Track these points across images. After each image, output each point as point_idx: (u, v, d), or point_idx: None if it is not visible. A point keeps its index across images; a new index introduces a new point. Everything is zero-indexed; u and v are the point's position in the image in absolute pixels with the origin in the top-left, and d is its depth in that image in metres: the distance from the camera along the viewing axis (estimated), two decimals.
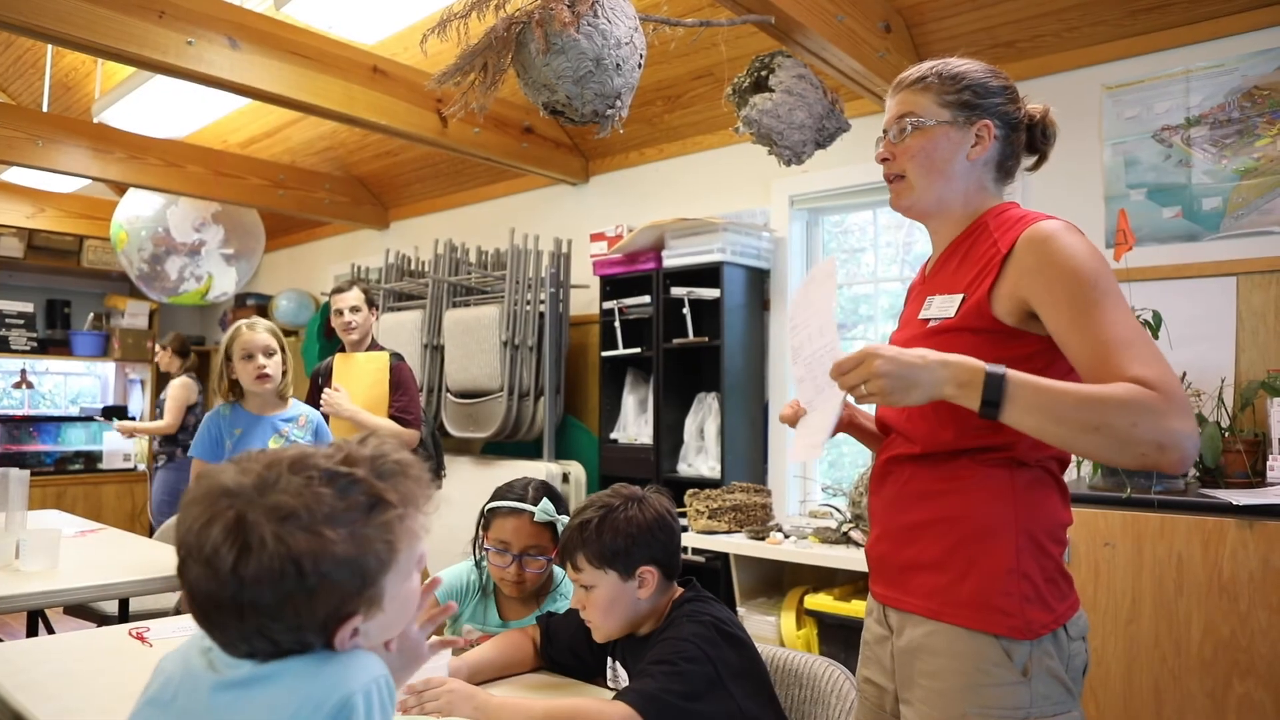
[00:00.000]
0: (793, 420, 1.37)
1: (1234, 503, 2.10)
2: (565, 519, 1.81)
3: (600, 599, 1.50)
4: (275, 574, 0.76)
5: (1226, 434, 2.41)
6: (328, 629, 0.81)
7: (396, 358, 3.43)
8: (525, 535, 1.78)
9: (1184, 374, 2.53)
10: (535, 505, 1.79)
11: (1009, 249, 1.20)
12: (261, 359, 2.62)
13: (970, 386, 1.09)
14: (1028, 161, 1.39)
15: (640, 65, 2.02)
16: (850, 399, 1.19)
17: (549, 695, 1.57)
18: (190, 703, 0.83)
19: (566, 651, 1.65)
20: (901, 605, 1.27)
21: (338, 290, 3.45)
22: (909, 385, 1.10)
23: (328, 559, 0.78)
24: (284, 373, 2.69)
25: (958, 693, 1.17)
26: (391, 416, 3.31)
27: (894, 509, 1.30)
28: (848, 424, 1.46)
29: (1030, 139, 1.36)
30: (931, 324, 1.26)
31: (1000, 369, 1.09)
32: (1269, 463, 2.33)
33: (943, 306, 1.26)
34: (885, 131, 1.36)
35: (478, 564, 1.90)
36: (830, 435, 1.25)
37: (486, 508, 1.85)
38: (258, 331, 2.64)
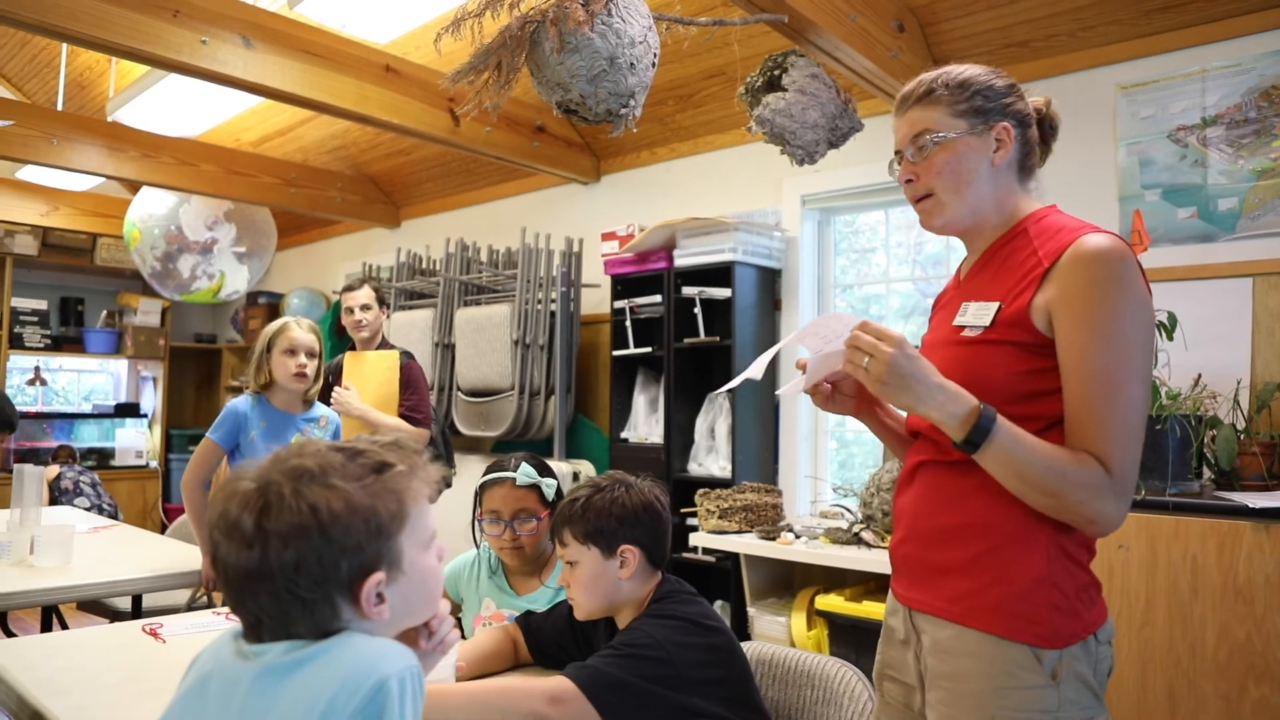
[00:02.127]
0: (802, 367, 1.37)
1: (1250, 505, 2.08)
2: (550, 481, 1.91)
3: (582, 575, 1.53)
4: (296, 527, 0.82)
5: (1242, 436, 2.39)
6: (353, 587, 0.85)
7: (407, 356, 3.43)
8: (512, 501, 1.87)
9: (1199, 375, 2.52)
10: (516, 471, 1.89)
11: (1053, 261, 1.18)
12: (304, 358, 2.69)
13: (959, 421, 1.14)
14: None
15: (654, 64, 2.02)
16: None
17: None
18: (227, 694, 0.85)
19: (553, 644, 1.67)
20: (926, 608, 1.26)
21: (348, 288, 3.47)
22: (902, 389, 1.14)
23: (344, 509, 0.84)
24: (317, 376, 2.74)
25: (985, 695, 1.16)
26: (401, 415, 3.31)
27: (923, 511, 1.28)
28: (867, 409, 1.42)
29: (1040, 133, 1.34)
30: (966, 332, 1.24)
31: (993, 415, 1.12)
32: None
33: (978, 314, 1.24)
34: (899, 152, 1.32)
35: (478, 544, 1.99)
36: (808, 386, 1.32)
37: (478, 486, 1.94)
38: (305, 330, 2.72)
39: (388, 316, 3.58)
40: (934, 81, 1.30)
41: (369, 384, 3.35)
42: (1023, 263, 1.23)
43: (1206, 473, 2.45)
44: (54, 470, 5.27)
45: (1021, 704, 1.13)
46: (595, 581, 1.52)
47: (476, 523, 1.94)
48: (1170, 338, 2.39)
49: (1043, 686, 1.13)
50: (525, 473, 1.89)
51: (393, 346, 3.51)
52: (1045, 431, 1.17)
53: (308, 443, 0.90)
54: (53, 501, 5.19)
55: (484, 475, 1.93)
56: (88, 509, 5.15)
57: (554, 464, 3.98)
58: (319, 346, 2.72)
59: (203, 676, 0.89)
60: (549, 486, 1.91)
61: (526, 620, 1.71)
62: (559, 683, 1.34)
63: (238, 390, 6.72)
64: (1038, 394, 1.18)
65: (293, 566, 0.82)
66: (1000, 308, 1.22)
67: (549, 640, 1.67)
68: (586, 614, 1.56)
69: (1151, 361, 1.18)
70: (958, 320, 1.27)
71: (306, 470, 0.85)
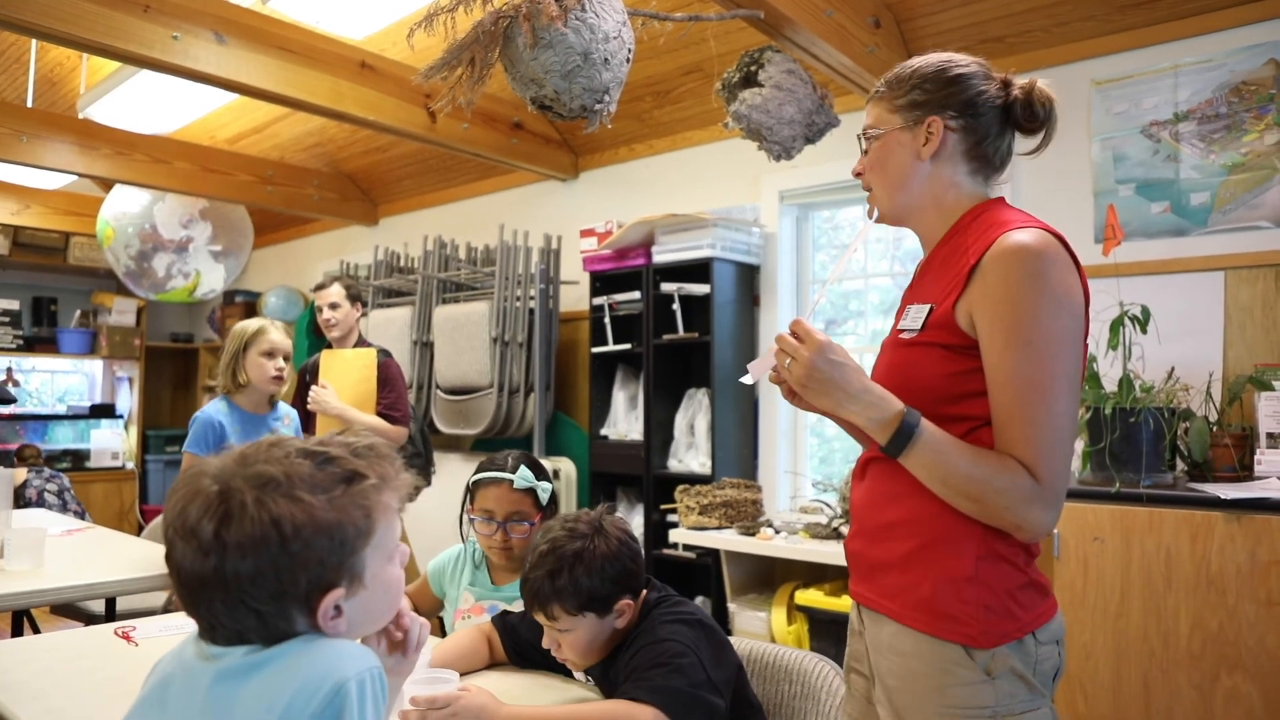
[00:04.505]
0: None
1: (1222, 497, 2.11)
2: (545, 485, 1.87)
3: (579, 641, 1.46)
4: (257, 539, 0.79)
5: (1214, 428, 2.42)
6: (310, 601, 0.82)
7: (384, 354, 3.41)
8: (507, 503, 1.84)
9: (1172, 368, 2.54)
10: (514, 473, 1.85)
11: (978, 259, 1.17)
12: (281, 361, 2.70)
13: (883, 426, 1.16)
14: (1028, 144, 1.32)
15: (629, 60, 2.01)
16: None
17: (523, 685, 1.56)
18: (186, 697, 0.83)
19: (528, 645, 1.65)
20: (869, 604, 1.27)
21: (319, 286, 3.46)
22: (821, 393, 1.17)
23: (308, 524, 0.81)
24: (287, 378, 2.80)
25: (924, 694, 1.17)
26: (379, 413, 3.29)
27: (869, 507, 1.30)
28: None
29: (1012, 118, 1.28)
30: (903, 335, 1.26)
31: (915, 421, 1.14)
32: (1256, 456, 2.34)
33: (915, 317, 1.25)
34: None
35: (464, 539, 1.96)
36: (754, 377, 1.31)
37: (470, 480, 1.90)
38: (282, 334, 2.73)
39: (364, 314, 3.56)
40: (884, 78, 1.33)
41: (346, 382, 3.32)
42: (956, 261, 1.22)
43: (1180, 465, 2.48)
44: (21, 474, 5.19)
45: (960, 700, 1.14)
46: (593, 641, 1.47)
47: (468, 519, 1.90)
48: (1144, 331, 2.41)
49: (979, 683, 1.13)
50: (523, 476, 1.85)
51: (369, 344, 3.49)
52: (978, 431, 1.17)
53: (276, 443, 0.86)
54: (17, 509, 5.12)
55: (478, 472, 1.90)
56: None
57: None
58: (292, 349, 2.75)
59: (165, 678, 0.87)
60: (544, 491, 1.87)
61: (503, 620, 1.70)
62: (652, 712, 1.32)
63: (214, 390, 6.68)
64: (968, 395, 1.18)
65: (249, 579, 0.79)
66: (932, 309, 1.22)
67: (524, 641, 1.65)
68: (584, 668, 1.52)
69: (1078, 360, 1.15)
70: (900, 324, 1.29)
71: (272, 479, 0.82)
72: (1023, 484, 1.11)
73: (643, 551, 1.59)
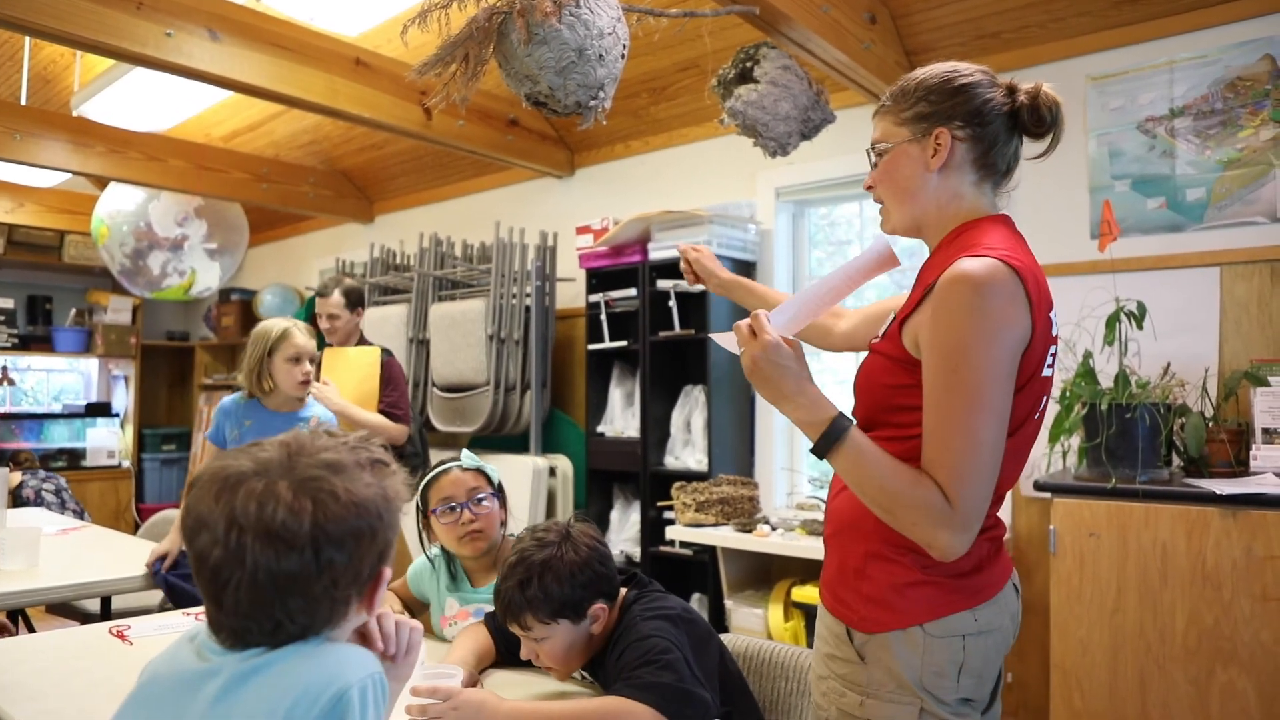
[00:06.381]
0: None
1: (1217, 492, 2.11)
2: (491, 467, 1.93)
3: (556, 648, 1.47)
4: (348, 525, 0.81)
5: (1210, 423, 2.42)
6: (370, 579, 0.84)
7: (386, 353, 3.41)
8: (464, 483, 1.87)
9: (1168, 364, 2.54)
10: (459, 460, 1.91)
11: (935, 280, 1.18)
12: (308, 365, 2.64)
13: (812, 427, 1.20)
14: (1037, 148, 1.31)
15: (623, 56, 2.01)
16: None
17: (524, 681, 1.56)
18: (183, 700, 0.82)
19: (518, 642, 1.64)
20: None
21: (320, 293, 3.43)
22: (763, 386, 1.22)
23: (384, 504, 0.84)
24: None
25: (821, 658, 1.31)
26: (381, 411, 3.28)
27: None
28: None
29: (1019, 124, 1.27)
30: (874, 340, 1.30)
31: (843, 429, 1.17)
32: (1252, 452, 2.34)
33: (885, 325, 1.30)
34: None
35: (430, 558, 1.97)
36: (728, 346, 1.33)
37: (420, 489, 1.93)
38: (307, 336, 2.66)
39: (361, 315, 3.54)
40: (889, 91, 1.33)
41: (349, 380, 3.31)
42: (925, 278, 1.24)
43: (1176, 460, 2.48)
44: (16, 478, 5.17)
45: (840, 671, 1.26)
46: (570, 647, 1.48)
47: (427, 522, 1.90)
48: (1140, 327, 2.41)
49: (854, 662, 1.24)
50: (468, 456, 1.90)
51: (370, 343, 3.48)
52: (909, 442, 1.19)
53: (309, 435, 0.87)
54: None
55: (425, 479, 1.93)
56: None
57: (530, 458, 4.00)
58: (316, 350, 2.70)
59: (156, 682, 0.87)
60: (492, 470, 1.92)
61: (492, 619, 1.69)
62: (649, 711, 1.32)
63: (212, 388, 6.66)
64: (905, 408, 1.20)
65: (343, 566, 0.80)
66: (893, 320, 1.26)
67: (515, 639, 1.65)
68: (567, 675, 1.53)
69: (1005, 392, 1.14)
70: (880, 329, 1.33)
71: (338, 464, 0.83)
72: (935, 505, 1.13)
73: (612, 556, 1.59)
